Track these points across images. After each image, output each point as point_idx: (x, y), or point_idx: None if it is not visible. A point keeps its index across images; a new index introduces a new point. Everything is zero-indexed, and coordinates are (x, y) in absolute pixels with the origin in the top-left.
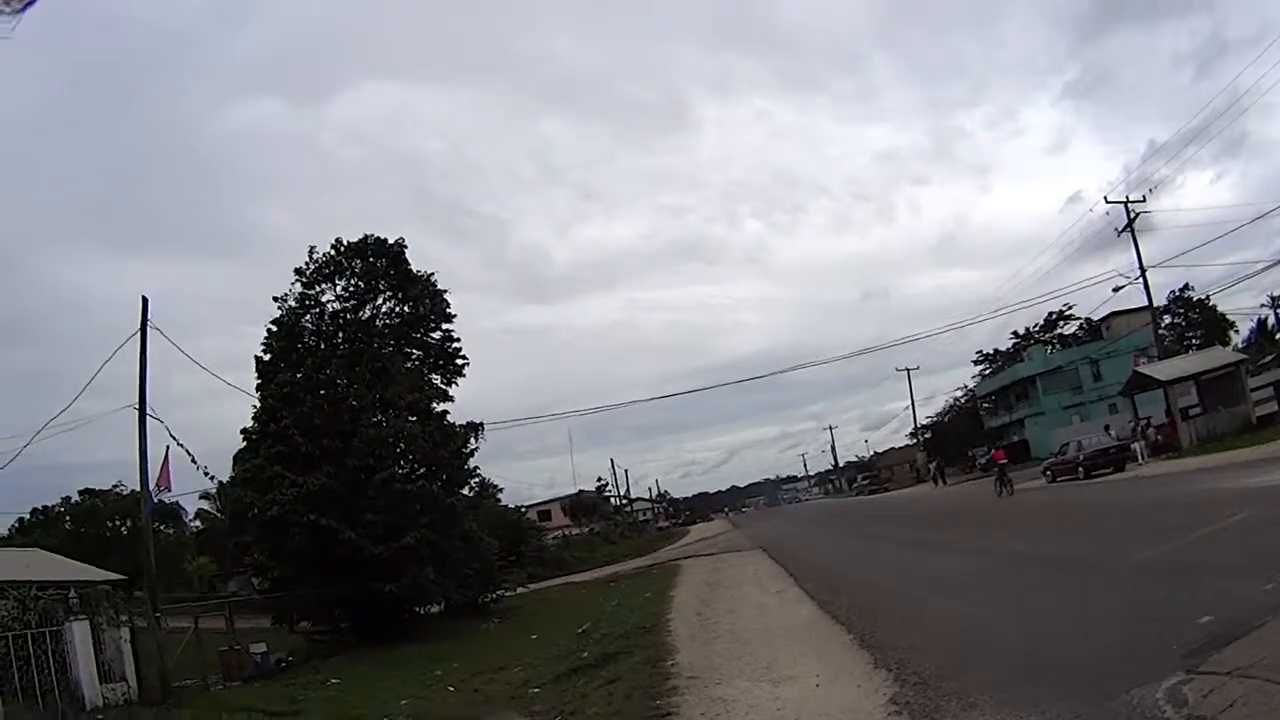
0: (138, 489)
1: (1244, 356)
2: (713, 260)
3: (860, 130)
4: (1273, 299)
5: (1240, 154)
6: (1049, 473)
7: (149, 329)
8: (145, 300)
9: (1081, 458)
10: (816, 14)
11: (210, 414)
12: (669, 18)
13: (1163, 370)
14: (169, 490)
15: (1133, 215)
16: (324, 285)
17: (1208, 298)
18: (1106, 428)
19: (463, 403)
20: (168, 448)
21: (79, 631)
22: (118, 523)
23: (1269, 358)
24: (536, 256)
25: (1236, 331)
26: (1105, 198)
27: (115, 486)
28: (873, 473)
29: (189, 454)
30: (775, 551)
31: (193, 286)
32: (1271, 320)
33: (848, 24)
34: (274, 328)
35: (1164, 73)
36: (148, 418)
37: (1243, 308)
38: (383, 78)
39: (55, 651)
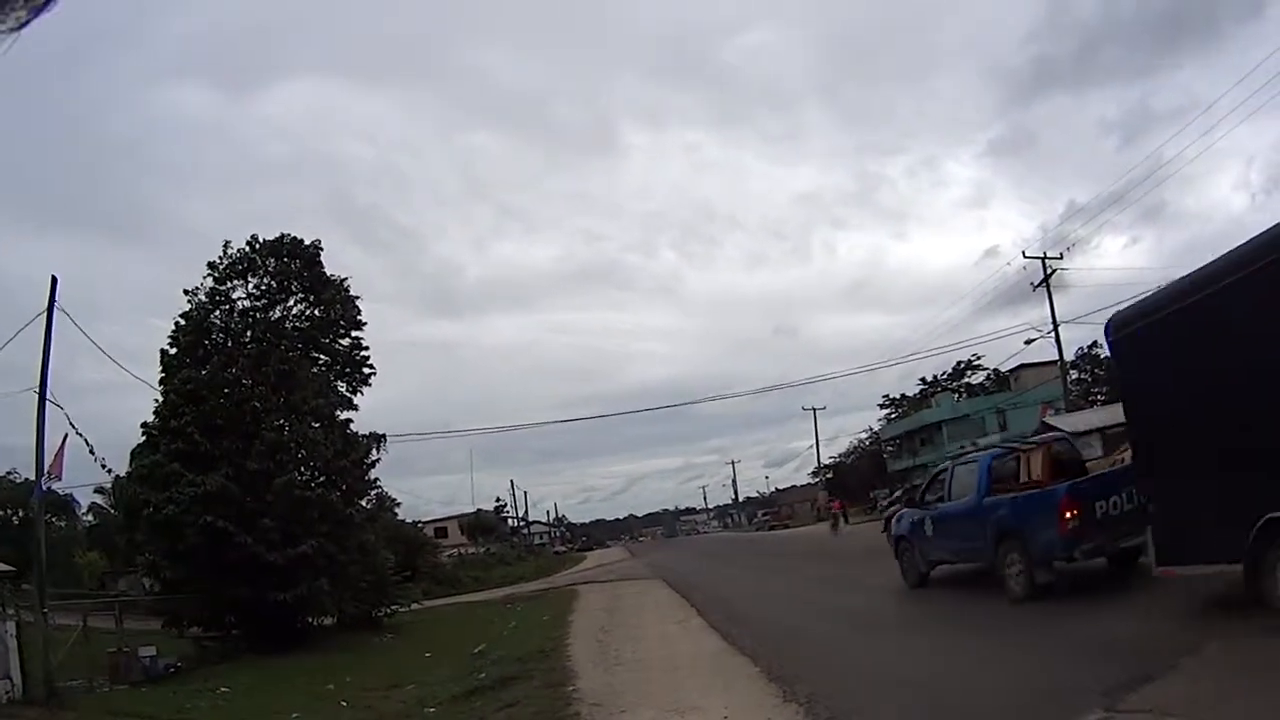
0: (32, 477)
1: None
2: (625, 287)
3: (784, 169)
4: None
5: (1157, 221)
6: None
7: (55, 311)
8: (54, 280)
9: None
10: (754, 55)
11: (111, 406)
12: (608, 45)
13: (1069, 422)
14: (59, 479)
15: (1049, 271)
16: (236, 281)
17: None
18: None
19: (366, 412)
20: (65, 435)
21: None
22: (8, 511)
23: None
24: (450, 271)
25: None
26: (1024, 252)
27: (9, 474)
28: (774, 509)
29: (87, 444)
30: (675, 582)
31: (101, 272)
32: None
33: (784, 67)
34: (182, 321)
35: (1089, 138)
36: (47, 404)
37: None
38: (315, 75)
39: None
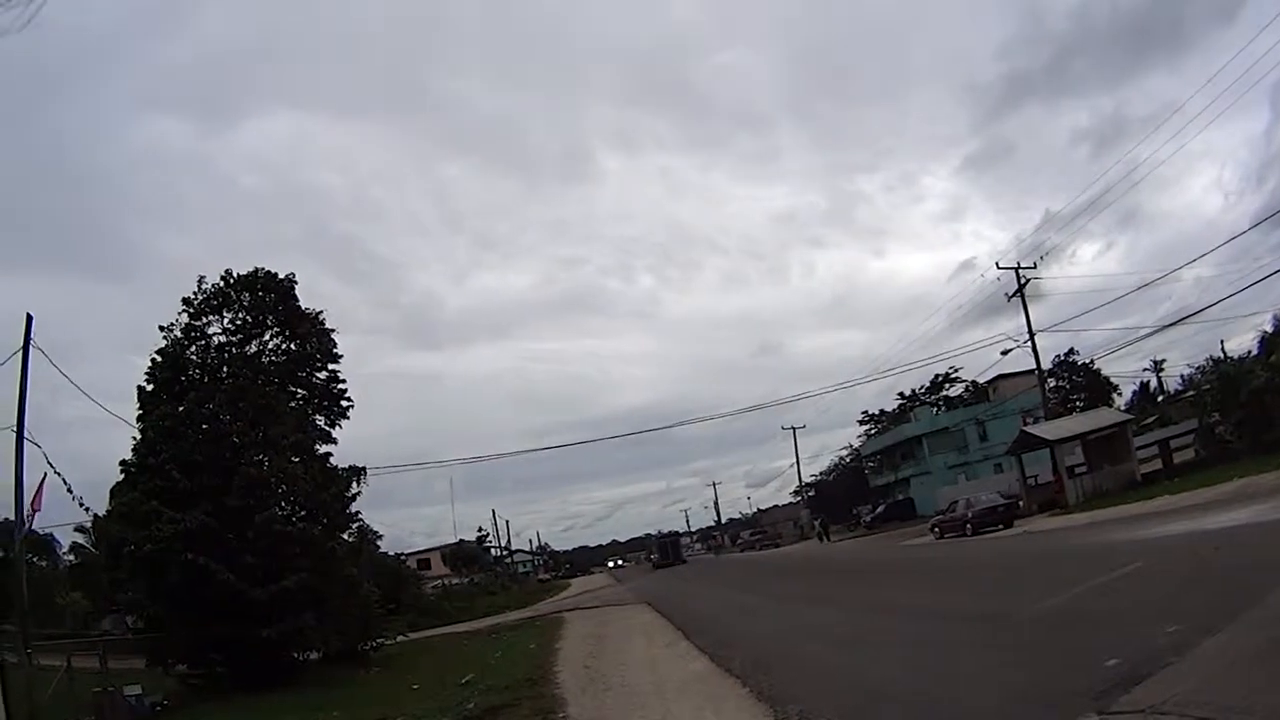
0: (11, 518)
1: (1130, 416)
2: (605, 313)
3: (760, 190)
4: (1155, 363)
5: (1129, 226)
6: (937, 529)
7: (31, 349)
8: (29, 318)
9: (970, 515)
10: (727, 77)
11: (89, 444)
12: (582, 71)
13: (1050, 430)
14: (38, 511)
15: (1023, 281)
16: (211, 317)
17: (1092, 361)
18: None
19: (346, 446)
20: (44, 474)
21: None
22: None
23: (1152, 419)
24: (429, 301)
25: (1119, 394)
26: (997, 264)
27: None
28: (761, 529)
29: (65, 483)
30: (660, 605)
31: (78, 308)
32: (1154, 383)
33: (757, 89)
34: (158, 358)
35: (1063, 148)
36: (25, 443)
37: (1126, 371)
38: (290, 107)
39: None
